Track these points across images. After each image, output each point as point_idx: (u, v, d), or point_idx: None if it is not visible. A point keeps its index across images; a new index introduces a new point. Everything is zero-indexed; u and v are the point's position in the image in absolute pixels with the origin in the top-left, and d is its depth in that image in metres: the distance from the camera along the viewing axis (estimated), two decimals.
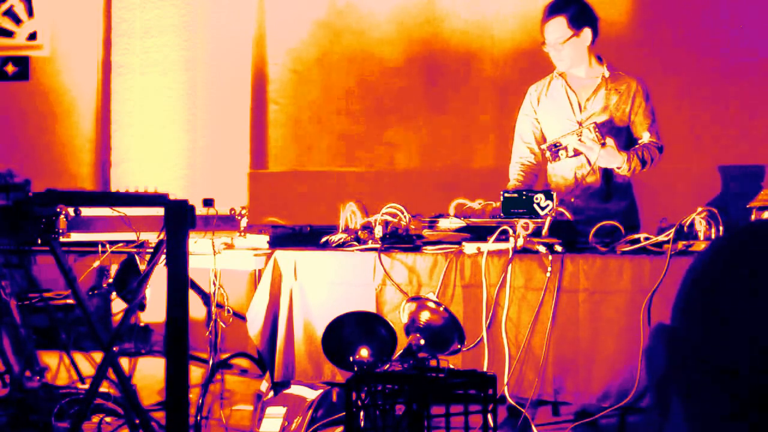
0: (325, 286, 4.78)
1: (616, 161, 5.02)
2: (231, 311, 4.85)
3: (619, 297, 4.28)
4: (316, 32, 7.84)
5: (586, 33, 5.16)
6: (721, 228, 4.29)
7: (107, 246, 4.46)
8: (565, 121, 5.22)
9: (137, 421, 4.41)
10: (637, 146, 5.09)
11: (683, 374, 0.97)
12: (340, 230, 4.91)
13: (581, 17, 5.15)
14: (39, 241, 4.21)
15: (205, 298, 5.15)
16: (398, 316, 4.21)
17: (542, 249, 4.40)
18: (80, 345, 5.60)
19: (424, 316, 4.07)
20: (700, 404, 0.96)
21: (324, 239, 4.89)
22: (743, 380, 0.93)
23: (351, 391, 3.94)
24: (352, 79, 7.78)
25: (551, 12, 5.17)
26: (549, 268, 4.36)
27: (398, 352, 4.09)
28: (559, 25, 5.14)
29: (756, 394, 0.92)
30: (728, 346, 0.95)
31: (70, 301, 5.67)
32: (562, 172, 5.21)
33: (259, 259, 4.92)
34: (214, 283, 4.87)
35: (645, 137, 5.12)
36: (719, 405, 0.94)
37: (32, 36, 8.30)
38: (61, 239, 4.20)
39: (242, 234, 5.06)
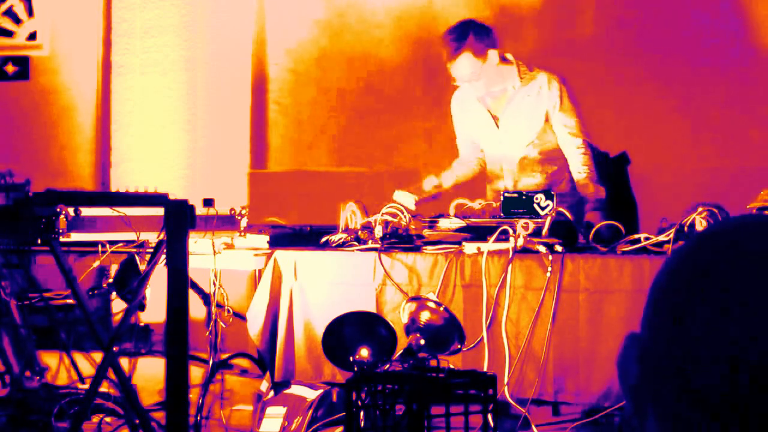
0: (325, 286, 4.77)
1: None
2: (231, 311, 4.85)
3: (620, 297, 4.28)
4: (316, 32, 7.83)
5: (492, 55, 5.04)
6: None
7: (107, 246, 4.45)
8: (491, 139, 5.24)
9: (137, 421, 4.41)
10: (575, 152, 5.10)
11: (653, 385, 0.97)
12: (340, 230, 4.91)
13: (482, 42, 5.02)
14: (39, 241, 4.20)
15: (205, 298, 5.14)
16: (398, 316, 4.21)
17: (542, 249, 4.40)
18: (80, 345, 5.59)
19: (424, 316, 4.07)
20: (671, 416, 0.96)
21: (324, 239, 4.89)
22: (708, 393, 0.93)
23: (351, 391, 3.94)
24: (352, 78, 7.78)
25: (454, 50, 4.99)
26: (549, 268, 4.35)
27: (398, 352, 4.09)
28: (466, 60, 5.01)
29: (723, 405, 0.92)
30: (690, 358, 0.95)
31: (70, 301, 5.67)
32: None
33: (259, 259, 4.92)
34: (214, 283, 4.87)
35: (572, 143, 5.10)
36: (689, 417, 0.94)
37: (32, 36, 8.30)
38: (61, 239, 4.20)
39: (242, 234, 5.05)
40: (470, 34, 5.01)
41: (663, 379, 0.94)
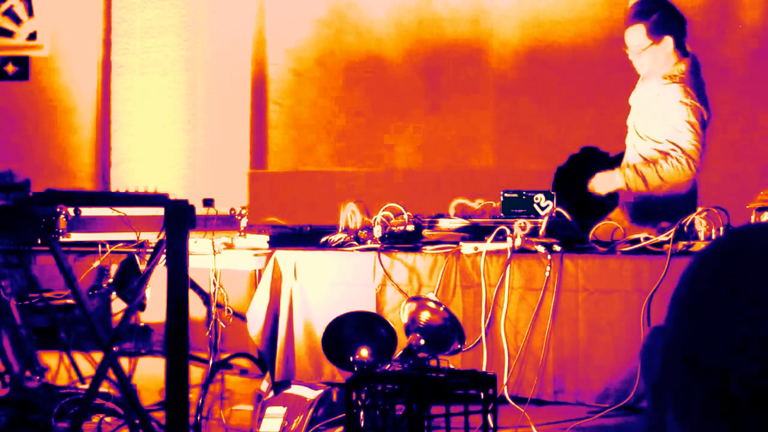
0: (325, 286, 4.78)
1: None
2: (231, 311, 4.85)
3: (619, 297, 4.28)
4: (316, 32, 7.83)
5: (667, 41, 5.15)
6: (721, 228, 4.29)
7: (107, 246, 4.45)
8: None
9: (137, 421, 4.41)
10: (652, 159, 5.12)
11: (674, 376, 0.98)
12: (340, 230, 4.91)
13: (663, 25, 5.15)
14: (39, 241, 4.20)
15: (205, 298, 5.14)
16: (398, 316, 4.21)
17: (541, 249, 4.40)
18: (80, 345, 5.59)
19: (424, 316, 4.08)
20: (688, 406, 0.96)
21: (324, 239, 4.89)
22: (729, 383, 0.93)
23: (351, 391, 3.94)
24: (352, 79, 7.78)
25: (632, 18, 5.19)
26: (548, 268, 4.36)
27: (398, 352, 4.09)
28: (638, 32, 5.16)
29: (742, 398, 0.93)
30: (713, 350, 0.96)
31: (70, 301, 5.67)
32: None
33: (259, 259, 4.92)
34: (214, 283, 4.87)
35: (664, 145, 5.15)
36: (706, 407, 0.94)
37: (32, 36, 8.30)
38: (61, 239, 4.20)
39: (242, 234, 5.05)
40: (655, 12, 5.19)
41: (684, 371, 0.94)
